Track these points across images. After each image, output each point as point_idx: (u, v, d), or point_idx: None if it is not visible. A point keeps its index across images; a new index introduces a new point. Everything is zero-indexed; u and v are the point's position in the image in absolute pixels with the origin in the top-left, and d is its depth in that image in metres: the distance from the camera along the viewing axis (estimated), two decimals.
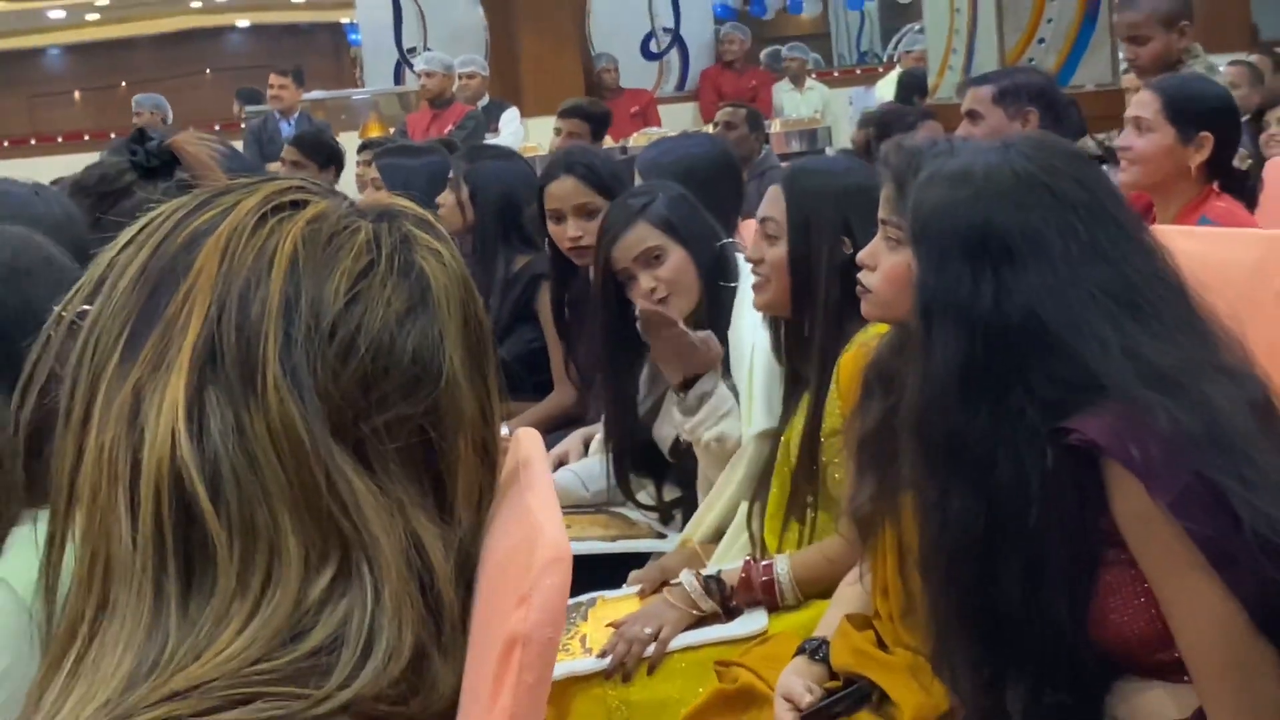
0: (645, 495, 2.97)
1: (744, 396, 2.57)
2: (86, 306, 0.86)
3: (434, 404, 0.86)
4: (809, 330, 2.35)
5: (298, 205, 0.88)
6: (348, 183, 6.30)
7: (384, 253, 0.87)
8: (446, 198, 3.76)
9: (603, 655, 2.29)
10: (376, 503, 0.83)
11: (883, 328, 2.07)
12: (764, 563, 2.35)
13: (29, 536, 1.27)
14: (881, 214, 1.91)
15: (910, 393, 1.61)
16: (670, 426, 2.83)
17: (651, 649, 2.28)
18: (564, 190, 3.27)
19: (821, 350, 2.32)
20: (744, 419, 2.56)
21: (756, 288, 2.41)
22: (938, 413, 1.55)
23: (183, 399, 0.81)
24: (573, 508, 2.94)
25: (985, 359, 1.52)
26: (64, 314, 0.89)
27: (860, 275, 1.94)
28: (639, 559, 2.75)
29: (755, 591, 2.32)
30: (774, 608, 2.33)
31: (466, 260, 3.97)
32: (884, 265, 1.89)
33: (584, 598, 2.57)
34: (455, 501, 0.88)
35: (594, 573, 2.69)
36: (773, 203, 2.40)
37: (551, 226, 3.29)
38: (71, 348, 0.86)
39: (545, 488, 0.98)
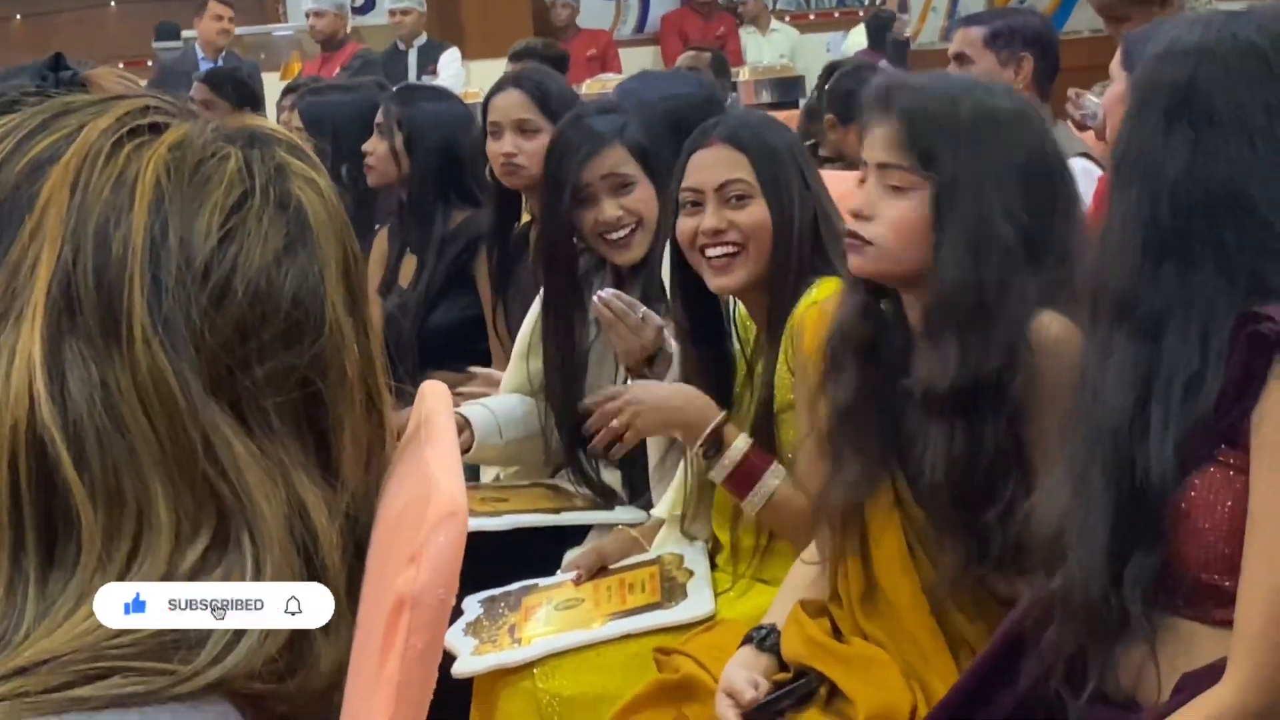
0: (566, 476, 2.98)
1: None
2: None
3: (318, 352, 0.85)
4: (775, 300, 2.35)
5: (156, 129, 0.86)
6: None
7: (258, 183, 0.85)
8: (377, 145, 3.66)
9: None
10: (258, 466, 0.83)
11: (830, 288, 2.11)
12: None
13: None
14: (882, 157, 1.93)
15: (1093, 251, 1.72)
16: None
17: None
18: (507, 103, 3.32)
19: (778, 321, 2.33)
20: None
21: (722, 266, 2.35)
22: (1112, 271, 1.64)
23: (40, 353, 0.79)
24: (505, 485, 2.95)
25: (1173, 222, 1.60)
26: None
27: (855, 227, 1.95)
28: (576, 536, 2.77)
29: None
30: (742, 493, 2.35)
31: (400, 216, 3.93)
32: (888, 214, 1.92)
33: (514, 586, 2.59)
34: (341, 460, 0.88)
35: (530, 549, 2.71)
36: (727, 163, 2.36)
37: (490, 146, 3.32)
38: None
39: (447, 443, 0.99)
